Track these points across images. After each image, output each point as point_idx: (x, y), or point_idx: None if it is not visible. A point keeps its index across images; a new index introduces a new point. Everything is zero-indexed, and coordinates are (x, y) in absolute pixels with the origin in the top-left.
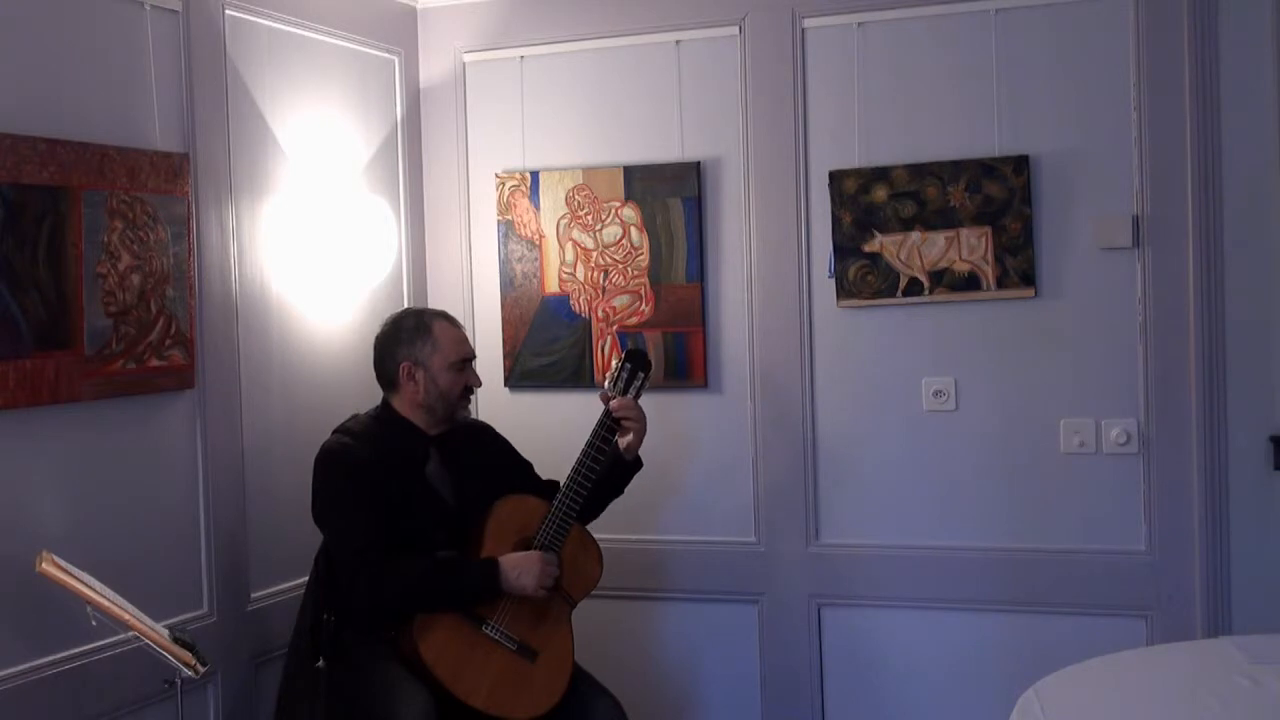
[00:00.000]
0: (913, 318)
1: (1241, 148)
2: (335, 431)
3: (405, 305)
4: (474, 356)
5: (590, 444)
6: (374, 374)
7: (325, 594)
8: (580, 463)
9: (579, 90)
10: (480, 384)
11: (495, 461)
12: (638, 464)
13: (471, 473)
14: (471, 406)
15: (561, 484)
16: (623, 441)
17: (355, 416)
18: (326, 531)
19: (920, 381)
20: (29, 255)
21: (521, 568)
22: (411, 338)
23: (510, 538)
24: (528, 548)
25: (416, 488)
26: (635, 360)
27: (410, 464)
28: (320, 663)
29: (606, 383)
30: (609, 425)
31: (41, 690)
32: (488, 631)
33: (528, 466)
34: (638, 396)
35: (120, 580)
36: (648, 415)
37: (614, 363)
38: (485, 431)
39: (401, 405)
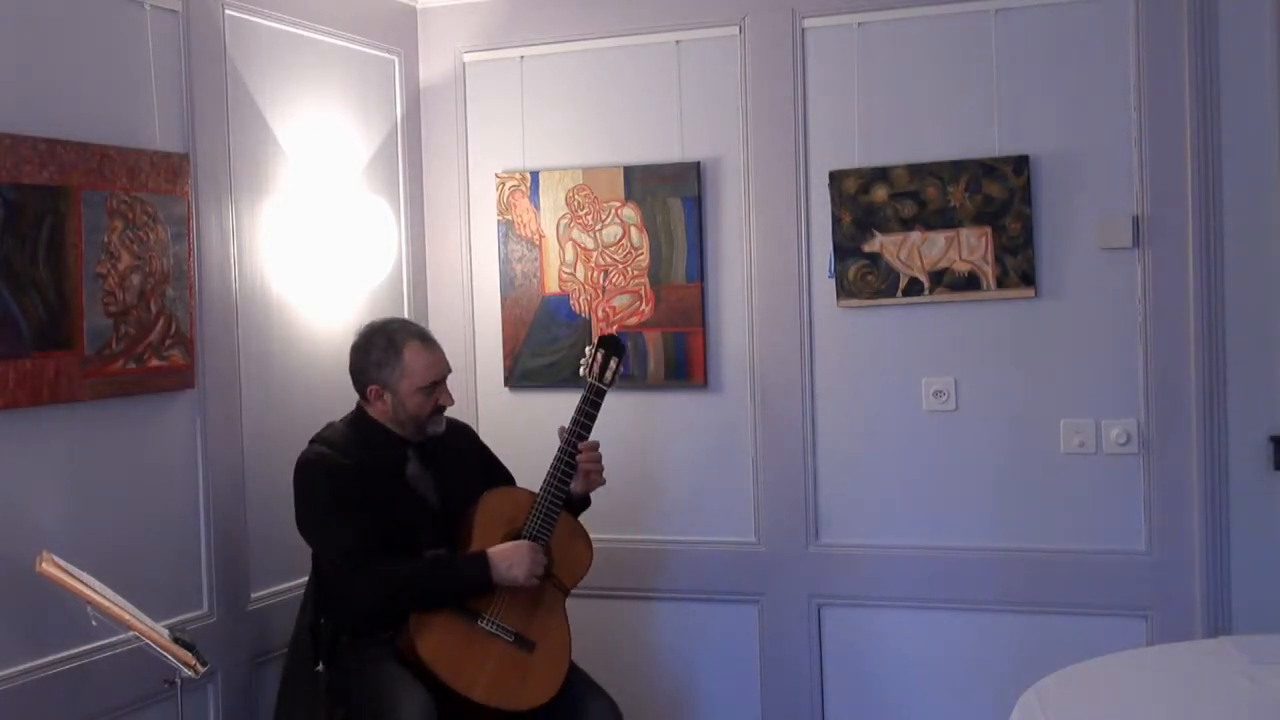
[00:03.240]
0: (913, 318)
1: (1241, 148)
2: (311, 441)
3: (405, 305)
4: (448, 373)
5: (571, 430)
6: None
7: (321, 600)
8: (562, 450)
9: (579, 90)
10: (452, 402)
11: (475, 464)
12: (585, 503)
13: (452, 472)
14: (472, 407)
15: (545, 473)
16: (575, 485)
17: (330, 425)
18: (313, 540)
19: (920, 381)
20: (29, 255)
21: (510, 558)
22: (381, 360)
23: (499, 529)
24: (516, 539)
25: (398, 490)
26: (607, 345)
27: (389, 467)
28: (319, 667)
29: (581, 369)
30: (588, 410)
31: (41, 690)
32: (484, 625)
33: (504, 472)
34: (613, 382)
35: (120, 580)
36: (644, 415)
37: (586, 350)
38: (465, 433)
39: (374, 412)
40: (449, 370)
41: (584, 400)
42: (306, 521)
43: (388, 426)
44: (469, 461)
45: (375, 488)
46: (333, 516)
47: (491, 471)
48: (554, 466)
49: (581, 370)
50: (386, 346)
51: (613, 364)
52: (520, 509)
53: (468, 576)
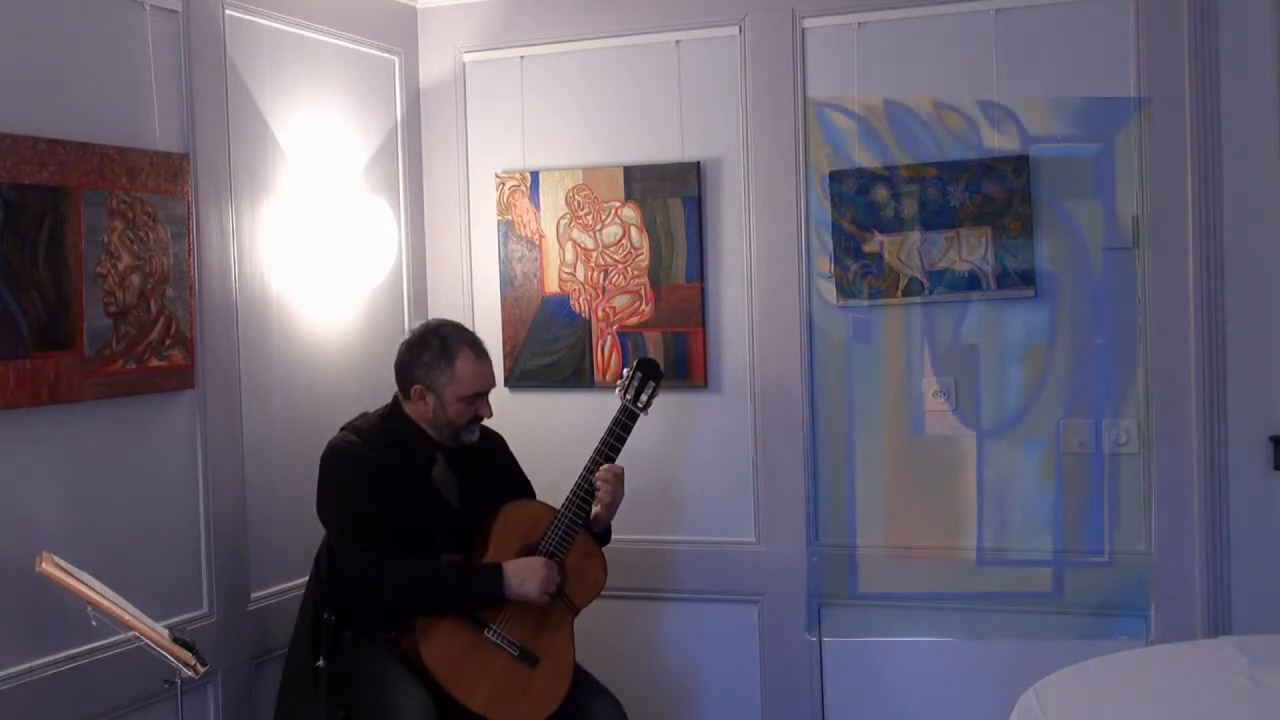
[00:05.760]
0: (913, 318)
1: (1241, 148)
2: (342, 429)
3: (405, 305)
4: (492, 386)
5: (599, 449)
6: (382, 373)
7: (326, 593)
8: (585, 470)
9: (579, 90)
10: (491, 414)
11: (500, 473)
12: (606, 536)
13: (478, 479)
14: None
15: (569, 491)
16: (593, 509)
17: (364, 415)
18: (331, 528)
19: (920, 381)
20: (29, 255)
21: (524, 574)
22: (432, 362)
23: (515, 543)
24: (532, 554)
25: (421, 490)
26: (646, 369)
27: (416, 466)
28: (320, 663)
29: (617, 390)
30: (618, 432)
31: (41, 690)
32: (489, 635)
33: (528, 487)
34: (647, 406)
35: (120, 580)
36: (644, 415)
37: (624, 370)
38: (496, 441)
39: (411, 411)
40: (494, 383)
41: (615, 422)
42: (327, 508)
43: (422, 426)
44: (495, 470)
45: (399, 484)
46: (353, 508)
47: (516, 483)
48: (576, 486)
49: (618, 390)
50: (440, 350)
51: (650, 388)
52: (539, 524)
53: (480, 586)
